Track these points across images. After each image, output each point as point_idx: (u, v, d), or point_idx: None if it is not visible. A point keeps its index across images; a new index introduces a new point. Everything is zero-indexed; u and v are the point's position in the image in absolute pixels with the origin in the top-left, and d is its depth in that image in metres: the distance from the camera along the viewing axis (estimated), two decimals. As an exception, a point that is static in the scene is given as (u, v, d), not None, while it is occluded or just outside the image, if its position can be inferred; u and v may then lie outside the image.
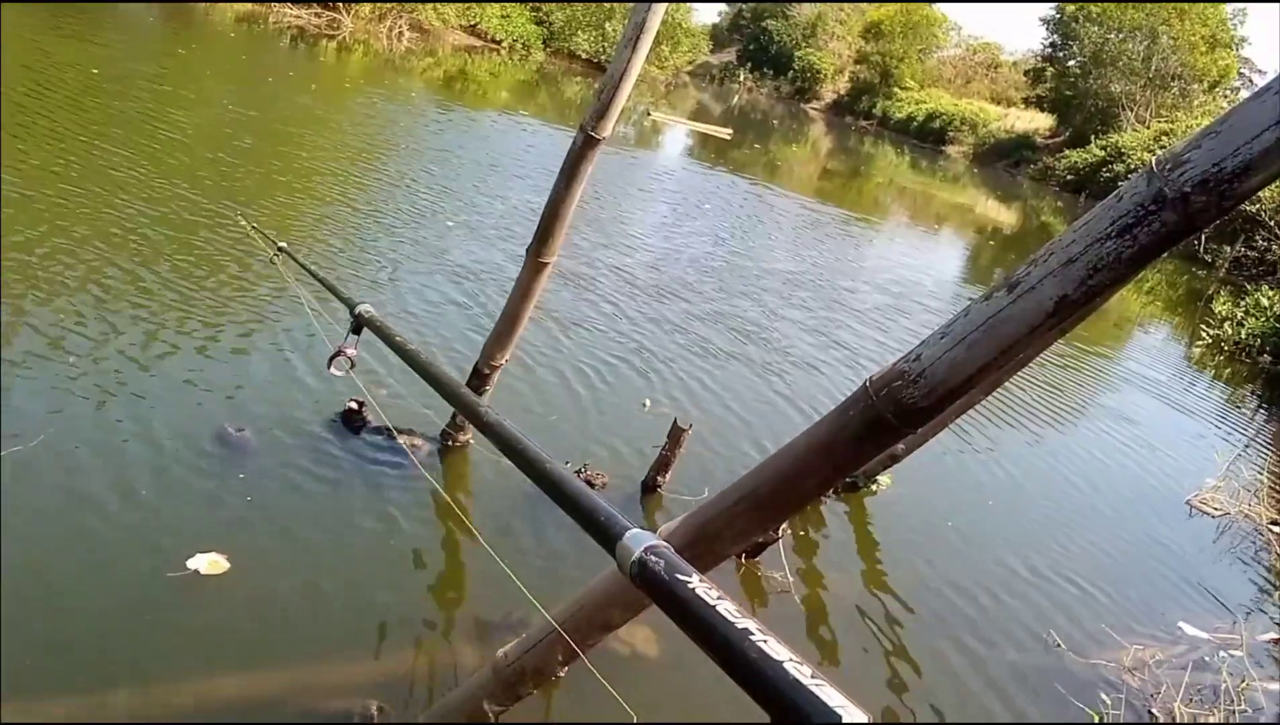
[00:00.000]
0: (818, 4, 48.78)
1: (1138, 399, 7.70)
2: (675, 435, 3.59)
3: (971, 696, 3.00)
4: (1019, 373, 5.13)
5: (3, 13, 9.60)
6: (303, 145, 8.69)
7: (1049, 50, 36.62)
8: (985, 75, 45.12)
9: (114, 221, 5.02)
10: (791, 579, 3.30)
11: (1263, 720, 3.22)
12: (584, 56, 32.29)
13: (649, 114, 21.76)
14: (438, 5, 25.60)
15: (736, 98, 42.66)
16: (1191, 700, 3.18)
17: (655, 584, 0.87)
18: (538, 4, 31.35)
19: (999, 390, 5.33)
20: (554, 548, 3.12)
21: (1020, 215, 23.05)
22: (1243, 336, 10.61)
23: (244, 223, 4.58)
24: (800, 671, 0.70)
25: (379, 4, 23.24)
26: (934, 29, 44.30)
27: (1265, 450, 7.21)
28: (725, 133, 22.28)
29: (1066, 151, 30.04)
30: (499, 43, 28.75)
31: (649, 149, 17.13)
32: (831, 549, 3.72)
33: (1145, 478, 5.74)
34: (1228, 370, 10.08)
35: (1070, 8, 33.94)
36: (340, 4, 22.04)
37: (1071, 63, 34.10)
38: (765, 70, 49.27)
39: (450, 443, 3.58)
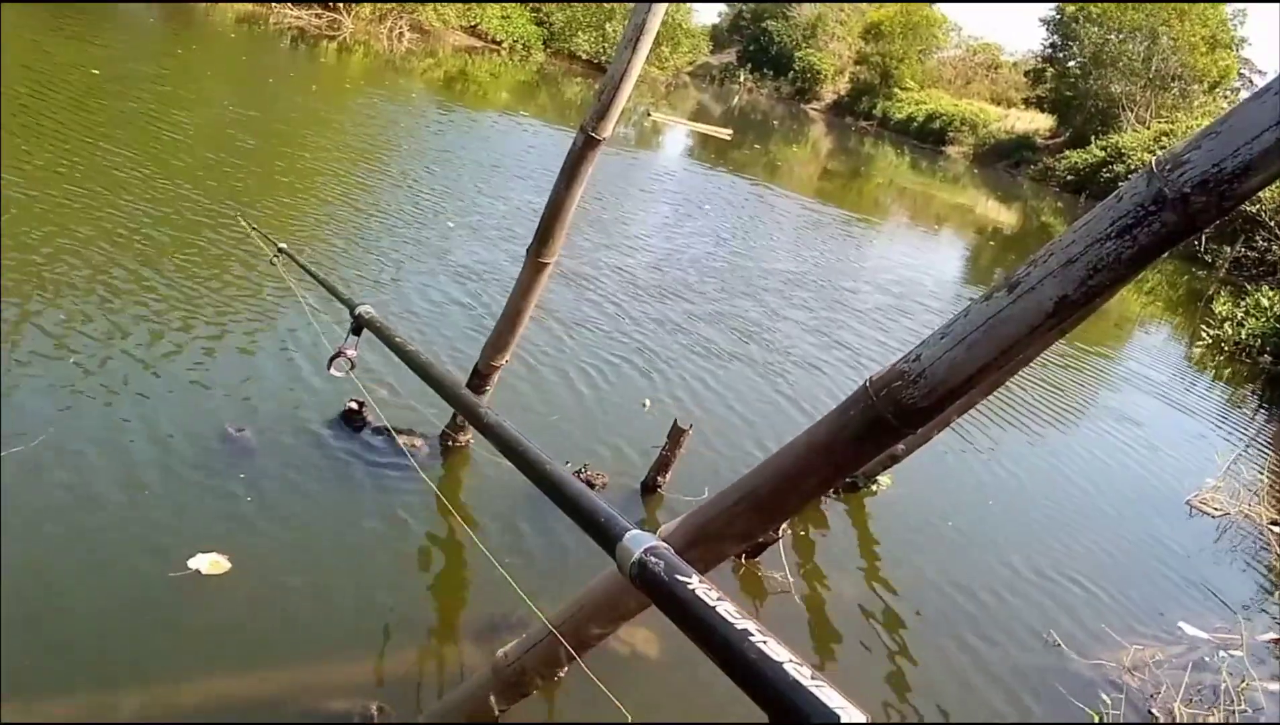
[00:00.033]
0: (818, 5, 48.80)
1: (1138, 399, 7.70)
2: (675, 435, 3.59)
3: (971, 696, 2.99)
4: (1020, 373, 5.12)
5: (2, 13, 9.60)
6: (304, 146, 8.70)
7: (1049, 51, 36.64)
8: (985, 76, 45.13)
9: (118, 222, 5.02)
10: (791, 579, 3.30)
11: (1263, 720, 3.22)
12: (584, 57, 32.29)
13: (649, 115, 21.77)
14: (438, 6, 25.60)
15: (737, 98, 42.66)
16: (1191, 700, 3.18)
17: (655, 585, 0.87)
18: (538, 5, 31.36)
19: (1000, 390, 5.33)
20: (554, 549, 3.12)
21: (1020, 216, 23.05)
22: (1243, 337, 10.61)
23: (244, 223, 4.59)
24: (800, 672, 0.70)
25: (379, 5, 23.25)
26: (934, 30, 44.31)
27: (1265, 450, 7.21)
28: (725, 133, 22.29)
29: (1067, 152, 30.05)
30: (499, 43, 28.75)
31: (649, 150, 17.14)
32: (831, 549, 3.72)
33: (1146, 478, 5.74)
34: (1228, 370, 10.08)
35: (1070, 8, 33.95)
36: (340, 5, 22.05)
37: (1072, 63, 34.11)
38: (765, 71, 49.29)
39: (450, 443, 3.58)
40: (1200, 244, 17.99)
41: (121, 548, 2.56)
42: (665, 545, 0.91)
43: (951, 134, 36.63)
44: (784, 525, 3.36)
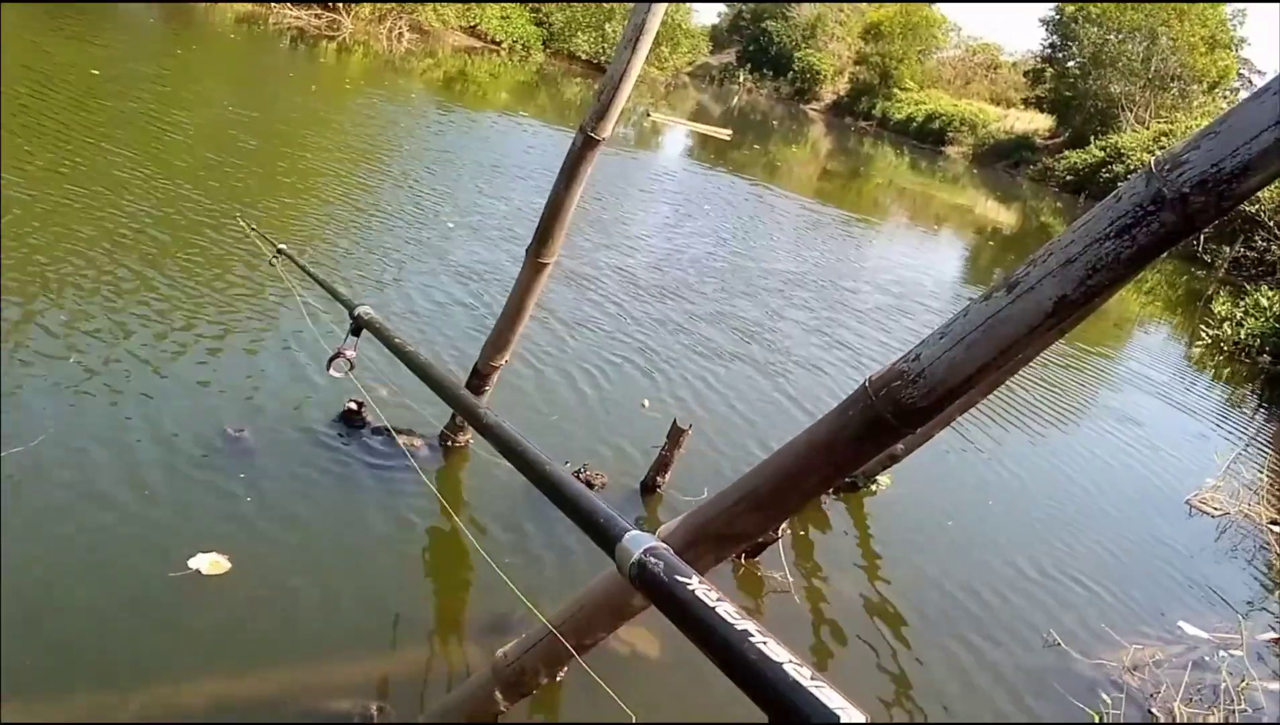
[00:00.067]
0: (817, 5, 48.82)
1: (1138, 399, 7.70)
2: (674, 435, 3.59)
3: (971, 696, 3.00)
4: (1020, 373, 5.13)
5: (2, 12, 9.60)
6: (305, 146, 8.70)
7: (1048, 51, 36.64)
8: (985, 76, 45.15)
9: (119, 222, 5.02)
10: (791, 579, 3.30)
11: (1263, 720, 3.22)
12: (584, 57, 32.29)
13: (649, 115, 21.77)
14: (437, 6, 25.60)
15: (736, 99, 42.67)
16: (1191, 700, 3.18)
17: (655, 586, 0.87)
18: (537, 5, 31.36)
19: (1000, 390, 5.34)
20: (554, 549, 3.12)
21: (1020, 216, 23.06)
22: (1242, 336, 10.62)
23: (243, 224, 4.59)
24: (800, 673, 0.70)
25: (379, 5, 23.25)
26: (933, 30, 44.33)
27: (1265, 450, 7.21)
28: (725, 134, 22.29)
29: (1066, 152, 30.05)
30: (499, 44, 28.75)
31: (649, 150, 17.14)
32: (831, 549, 3.72)
33: (1146, 477, 5.74)
34: (1227, 370, 10.08)
35: (1070, 8, 33.96)
36: (340, 5, 22.04)
37: (1071, 64, 34.12)
38: (765, 71, 49.30)
39: (450, 443, 3.58)
40: (1199, 244, 18.00)
41: (121, 547, 2.56)
42: (665, 546, 0.92)
43: (951, 134, 36.64)
44: (783, 525, 3.36)
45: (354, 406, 3.53)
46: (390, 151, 9.55)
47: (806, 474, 1.57)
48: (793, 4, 49.23)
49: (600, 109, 2.82)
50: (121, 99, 8.33)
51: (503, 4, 28.87)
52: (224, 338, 3.99)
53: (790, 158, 23.93)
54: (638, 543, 0.92)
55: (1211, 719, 3.12)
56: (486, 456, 3.50)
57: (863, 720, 0.65)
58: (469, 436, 3.57)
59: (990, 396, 4.89)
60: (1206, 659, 3.51)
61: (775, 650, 0.73)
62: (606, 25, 32.06)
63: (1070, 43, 34.04)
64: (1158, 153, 1.24)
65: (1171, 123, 27.21)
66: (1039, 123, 35.21)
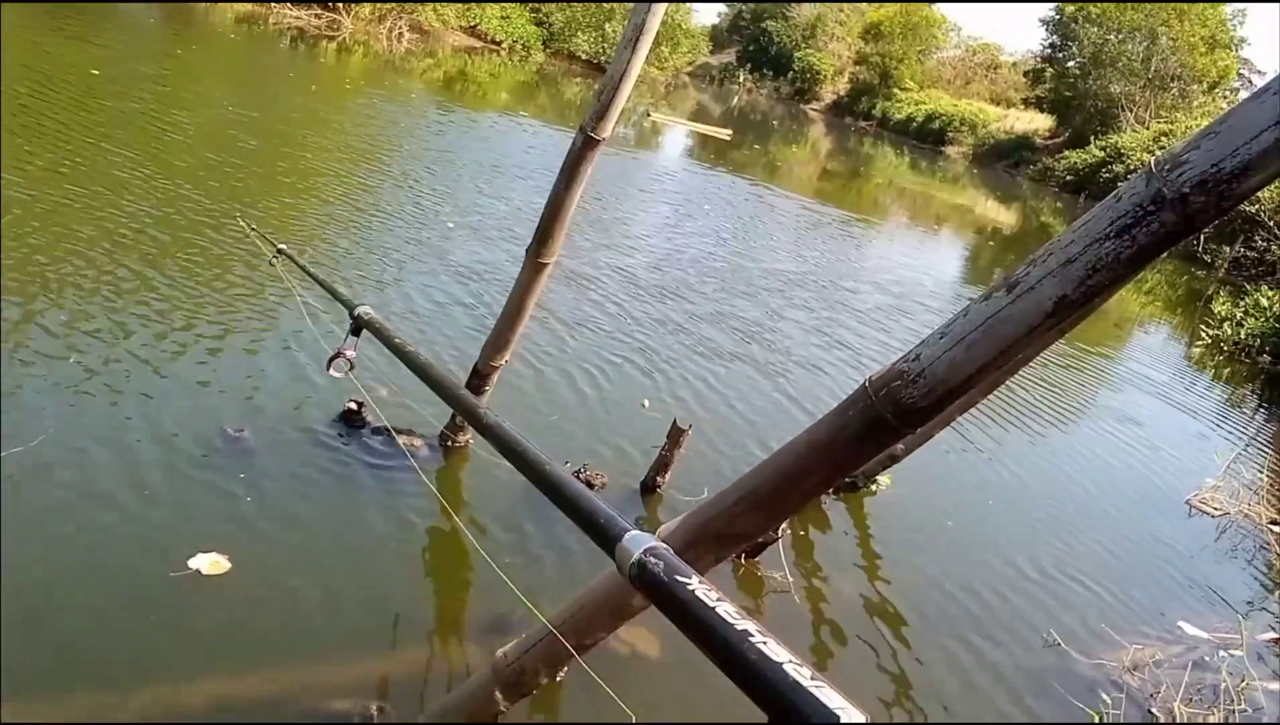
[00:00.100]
0: (817, 5, 48.81)
1: (1139, 399, 7.70)
2: (674, 436, 3.59)
3: (971, 696, 3.00)
4: (1021, 373, 5.13)
5: (2, 12, 9.60)
6: (305, 146, 8.70)
7: (1048, 51, 36.64)
8: (985, 76, 45.14)
9: (119, 222, 5.02)
10: (791, 579, 3.30)
11: (1263, 720, 3.22)
12: (584, 57, 32.29)
13: (649, 115, 21.77)
14: (437, 6, 25.60)
15: (736, 99, 42.67)
16: (1191, 700, 3.18)
17: (655, 586, 0.87)
18: (537, 5, 31.36)
19: (1001, 390, 5.34)
20: (554, 549, 3.12)
21: (1020, 216, 23.06)
22: (1242, 336, 10.62)
23: (243, 224, 4.59)
24: (800, 673, 0.70)
25: (379, 5, 23.25)
26: (933, 30, 44.32)
27: (1265, 450, 7.21)
28: (725, 134, 22.28)
29: (1066, 152, 30.05)
30: (499, 44, 28.75)
31: (649, 150, 17.14)
32: (831, 549, 3.72)
33: (1147, 477, 5.75)
34: (1227, 370, 10.08)
35: (1070, 8, 33.96)
36: (340, 5, 22.04)
37: (1071, 64, 34.11)
38: (765, 71, 49.30)
39: (450, 443, 3.58)
40: (1199, 244, 18.00)
41: (121, 547, 2.57)
42: (665, 546, 0.92)
43: (951, 134, 36.64)
44: (783, 525, 3.36)
45: (354, 406, 3.53)
46: (390, 151, 9.55)
47: (807, 474, 1.57)
48: (793, 4, 49.23)
49: (600, 109, 2.82)
50: (121, 99, 8.33)
51: (503, 4, 28.88)
52: (224, 338, 3.99)
53: (790, 158, 23.93)
54: (638, 543, 0.92)
55: (1211, 719, 3.12)
56: (486, 456, 3.50)
57: (862, 720, 0.66)
58: (469, 436, 3.57)
59: (990, 396, 4.89)
60: (1206, 659, 3.51)
61: (775, 650, 0.73)
62: (606, 25, 32.06)
63: (1070, 43, 34.04)
64: (1158, 153, 1.24)
65: (1171, 123, 27.22)
66: (1039, 123, 35.21)
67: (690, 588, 0.83)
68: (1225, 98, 31.48)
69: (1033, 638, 3.42)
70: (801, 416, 4.97)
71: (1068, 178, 28.23)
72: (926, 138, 37.51)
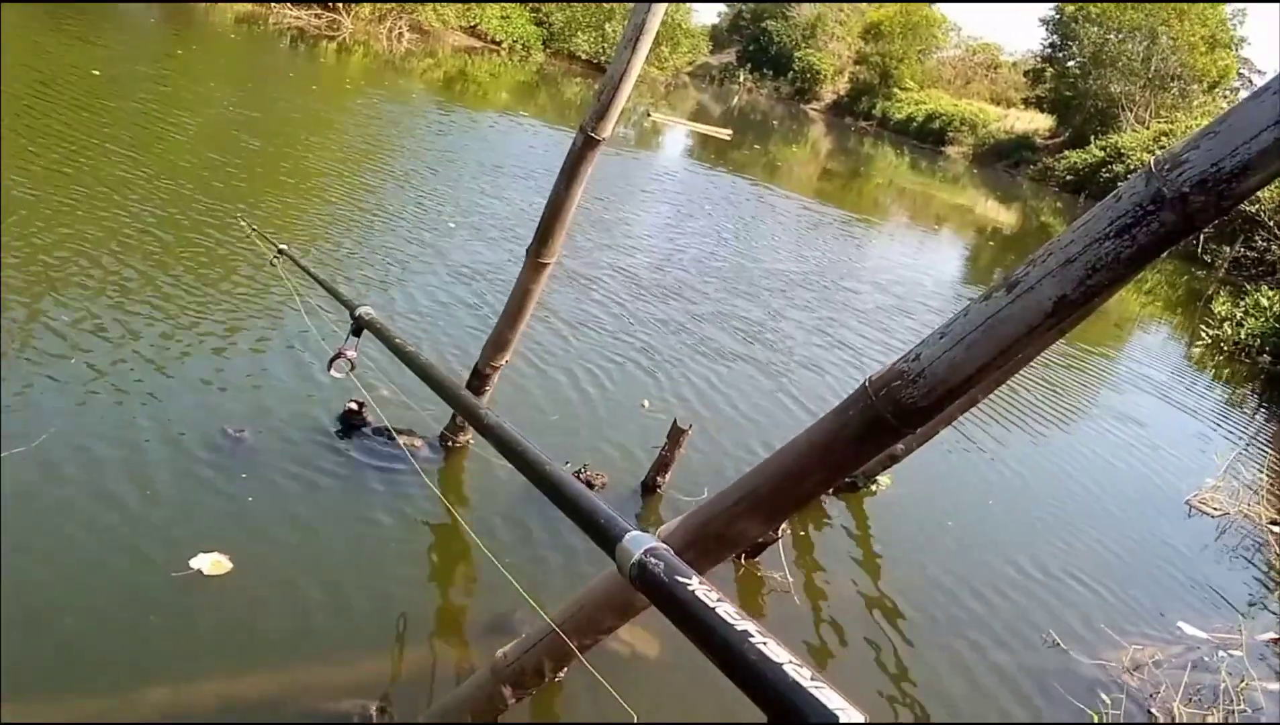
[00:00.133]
0: (817, 5, 48.81)
1: (1139, 399, 7.70)
2: (675, 436, 3.59)
3: (971, 696, 3.00)
4: (1022, 372, 5.13)
5: (2, 12, 9.60)
6: (306, 146, 8.70)
7: (1048, 51, 36.63)
8: (985, 76, 45.14)
9: (123, 223, 5.02)
10: (791, 579, 3.30)
11: (1262, 720, 3.22)
12: (584, 57, 32.29)
13: (649, 115, 21.77)
14: (437, 6, 25.60)
15: (736, 98, 42.67)
16: (1191, 700, 3.18)
17: (655, 586, 0.87)
18: (537, 5, 31.36)
19: (1001, 390, 5.34)
20: (554, 549, 3.12)
21: (1020, 216, 23.05)
22: (1242, 336, 10.61)
23: (244, 224, 4.59)
24: (800, 673, 0.70)
25: (379, 5, 23.25)
26: (933, 30, 44.32)
27: (1265, 449, 7.21)
28: (725, 133, 22.28)
29: (1066, 152, 30.05)
30: (499, 44, 28.75)
31: (649, 150, 17.14)
32: (831, 549, 3.72)
33: (1148, 477, 5.75)
34: (1227, 370, 10.08)
35: (1070, 8, 33.95)
36: (340, 5, 22.04)
37: (1071, 63, 34.10)
38: (765, 71, 49.30)
39: (450, 444, 3.58)
40: (1199, 244, 17.99)
41: (123, 547, 2.57)
42: (665, 546, 0.92)
43: (951, 134, 36.63)
44: (784, 525, 3.36)
45: (354, 406, 3.53)
46: (391, 151, 9.55)
47: (807, 474, 1.57)
48: (793, 4, 49.22)
49: (600, 109, 2.82)
50: (123, 99, 8.33)
51: (503, 4, 28.87)
52: (226, 338, 3.99)
53: (790, 158, 23.93)
54: (638, 543, 0.92)
55: (1211, 719, 3.12)
56: (487, 457, 3.51)
57: (862, 720, 0.66)
58: (469, 437, 3.57)
59: (991, 396, 4.89)
60: (1206, 659, 3.51)
61: (775, 651, 0.73)
62: (606, 25, 32.05)
63: (1070, 42, 34.03)
64: (1158, 152, 1.24)
65: (1171, 122, 27.21)
66: (1039, 122, 35.20)
67: (690, 588, 0.83)
68: (1225, 97, 31.48)
69: (1033, 637, 3.42)
70: (803, 416, 4.97)
71: (1068, 177, 28.22)
72: (926, 137, 37.50)
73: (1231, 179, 1.12)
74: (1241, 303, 11.73)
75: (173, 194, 5.81)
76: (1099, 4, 32.22)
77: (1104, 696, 3.06)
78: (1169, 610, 3.92)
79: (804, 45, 47.96)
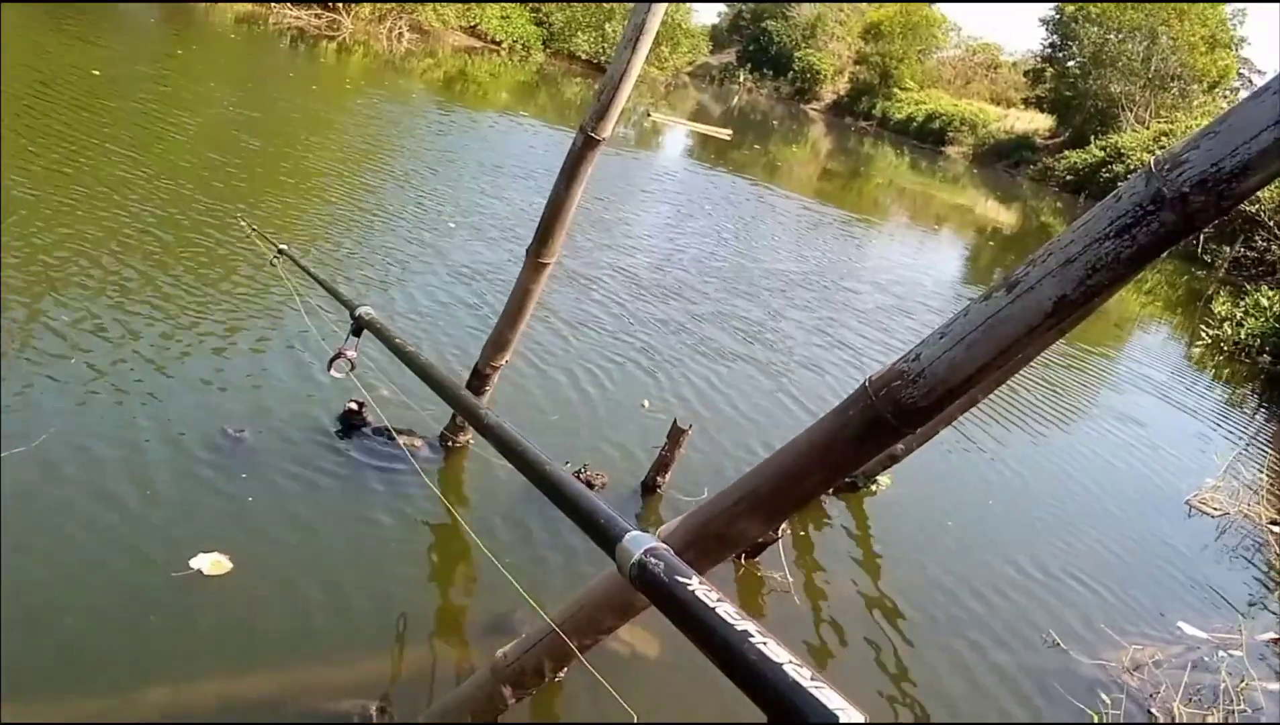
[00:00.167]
0: (817, 5, 48.81)
1: (1139, 399, 7.71)
2: (674, 436, 3.59)
3: (971, 696, 3.00)
4: (1022, 373, 5.13)
5: (2, 12, 9.60)
6: (307, 146, 8.70)
7: (1048, 51, 36.63)
8: (985, 76, 45.14)
9: (123, 223, 5.02)
10: (791, 579, 3.30)
11: (1262, 720, 3.22)
12: (584, 57, 32.29)
13: (649, 115, 21.77)
14: (437, 6, 25.60)
15: (736, 98, 42.67)
16: (1191, 700, 3.18)
17: (655, 586, 0.87)
18: (537, 5, 31.35)
19: (1001, 390, 5.34)
20: (554, 549, 3.12)
21: (1020, 216, 23.06)
22: (1242, 336, 10.61)
23: (244, 224, 4.59)
24: (800, 673, 0.70)
25: (379, 5, 23.25)
26: (933, 30, 44.32)
27: (1265, 450, 7.21)
28: (725, 134, 22.28)
29: (1066, 152, 30.05)
30: (499, 44, 28.75)
31: (649, 150, 17.14)
32: (831, 549, 3.72)
33: (1148, 477, 5.75)
34: (1227, 370, 10.08)
35: (1070, 8, 33.95)
36: (340, 5, 22.04)
37: (1071, 63, 34.10)
38: (765, 71, 49.30)
39: (450, 444, 3.58)
40: (1199, 244, 17.99)
41: (123, 547, 2.57)
42: (665, 546, 0.92)
43: (951, 134, 36.63)
44: (783, 525, 3.36)
45: (354, 406, 3.53)
46: (392, 151, 9.55)
47: (807, 474, 1.57)
48: (793, 4, 49.22)
49: (600, 109, 2.82)
50: (123, 99, 8.33)
51: (503, 4, 28.87)
52: (225, 338, 3.99)
53: (790, 158, 23.93)
54: (638, 543, 0.92)
55: (1211, 719, 3.12)
56: (486, 457, 3.51)
57: (862, 720, 0.66)
58: (469, 437, 3.57)
59: (992, 396, 4.89)
60: (1206, 659, 3.51)
61: (775, 651, 0.73)
62: (606, 25, 32.05)
63: (1070, 42, 34.03)
64: (1158, 152, 1.24)
65: (1171, 122, 27.21)
66: (1039, 122, 35.20)
67: (690, 588, 0.83)
68: (1225, 97, 31.48)
69: (1033, 637, 3.42)
70: (803, 416, 4.97)
71: (1068, 177, 28.23)
72: (926, 137, 37.50)
73: (1231, 179, 1.12)
74: (1241, 303, 11.73)
75: (173, 194, 5.81)
76: (1099, 4, 32.21)
77: (1104, 697, 3.06)
78: (1169, 610, 3.92)
79: (804, 45, 47.96)
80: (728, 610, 0.78)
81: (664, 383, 4.91)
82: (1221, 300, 12.31)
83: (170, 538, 2.62)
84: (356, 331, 2.31)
